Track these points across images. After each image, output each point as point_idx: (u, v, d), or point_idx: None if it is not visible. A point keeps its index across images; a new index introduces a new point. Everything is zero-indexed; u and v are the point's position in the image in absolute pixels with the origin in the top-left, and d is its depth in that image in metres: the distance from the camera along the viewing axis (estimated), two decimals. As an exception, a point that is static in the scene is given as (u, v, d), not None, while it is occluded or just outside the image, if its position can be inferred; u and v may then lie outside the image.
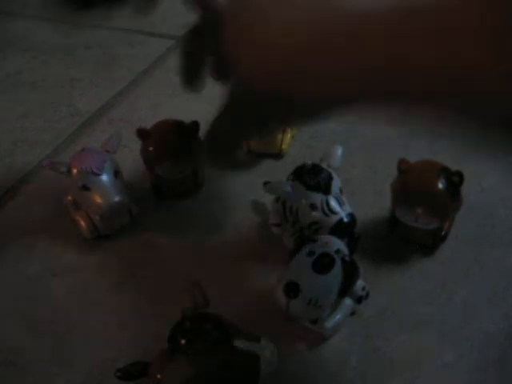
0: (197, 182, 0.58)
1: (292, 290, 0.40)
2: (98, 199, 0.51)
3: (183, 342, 0.37)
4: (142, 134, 0.54)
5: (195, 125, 0.54)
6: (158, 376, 0.37)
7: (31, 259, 0.52)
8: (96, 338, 0.45)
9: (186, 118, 0.55)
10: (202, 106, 0.70)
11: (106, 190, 0.51)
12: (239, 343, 0.38)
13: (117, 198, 0.51)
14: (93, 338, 0.45)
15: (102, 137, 0.56)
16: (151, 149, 0.54)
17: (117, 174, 0.52)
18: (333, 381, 0.42)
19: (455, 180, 0.47)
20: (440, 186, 0.46)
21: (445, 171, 0.47)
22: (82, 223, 0.52)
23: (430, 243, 0.50)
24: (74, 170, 0.51)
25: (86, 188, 0.51)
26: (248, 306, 0.47)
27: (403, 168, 0.49)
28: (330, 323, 0.44)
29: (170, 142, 0.53)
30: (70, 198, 0.54)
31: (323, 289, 0.41)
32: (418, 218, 0.47)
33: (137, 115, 0.70)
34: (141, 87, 0.75)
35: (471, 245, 0.51)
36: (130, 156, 0.58)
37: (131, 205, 0.54)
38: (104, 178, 0.51)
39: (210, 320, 0.38)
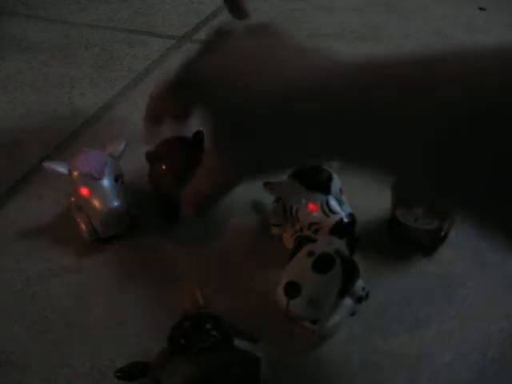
0: None
1: (292, 289, 0.40)
2: (97, 204, 0.50)
3: (183, 341, 0.37)
4: (151, 157, 0.51)
5: (200, 134, 0.52)
6: (158, 376, 0.37)
7: (31, 259, 0.52)
8: (96, 338, 0.45)
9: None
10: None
11: (105, 194, 0.50)
12: (239, 343, 0.38)
13: (116, 204, 0.50)
14: (93, 338, 0.45)
15: (102, 137, 0.56)
16: (166, 174, 0.50)
17: (117, 178, 0.52)
18: (333, 381, 0.42)
19: (455, 180, 0.46)
20: (440, 185, 0.46)
21: (445, 171, 0.47)
22: (82, 226, 0.52)
23: (429, 243, 0.50)
24: (75, 173, 0.51)
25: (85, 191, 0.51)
26: (248, 305, 0.47)
27: (403, 168, 0.48)
28: (329, 323, 0.44)
29: (184, 162, 0.49)
30: (73, 199, 0.53)
31: (323, 289, 0.41)
32: (418, 218, 0.47)
33: (137, 115, 0.69)
34: (141, 87, 0.75)
35: (471, 245, 0.51)
36: (131, 157, 0.58)
37: (131, 208, 0.53)
38: (104, 182, 0.51)
39: (210, 320, 0.38)
